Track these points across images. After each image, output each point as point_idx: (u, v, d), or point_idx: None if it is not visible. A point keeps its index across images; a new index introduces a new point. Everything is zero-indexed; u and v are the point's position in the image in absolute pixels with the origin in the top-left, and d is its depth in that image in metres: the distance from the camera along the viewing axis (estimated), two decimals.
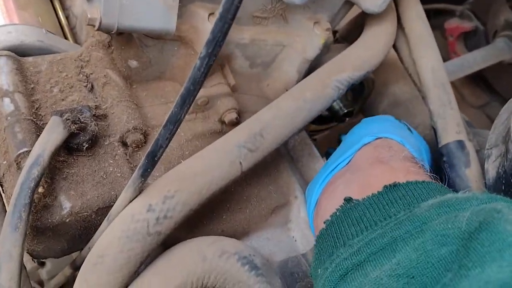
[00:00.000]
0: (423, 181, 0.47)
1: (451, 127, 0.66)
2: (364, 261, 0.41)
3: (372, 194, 0.46)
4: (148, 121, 0.63)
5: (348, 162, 0.56)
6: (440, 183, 0.50)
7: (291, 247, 0.65)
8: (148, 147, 0.61)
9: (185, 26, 0.63)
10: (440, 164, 0.66)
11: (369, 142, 0.56)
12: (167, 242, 0.55)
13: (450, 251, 0.36)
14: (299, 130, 0.64)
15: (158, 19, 0.58)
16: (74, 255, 0.64)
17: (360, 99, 0.93)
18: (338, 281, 0.42)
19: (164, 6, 0.57)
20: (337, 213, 0.47)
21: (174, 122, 0.44)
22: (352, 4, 0.76)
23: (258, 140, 0.58)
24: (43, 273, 0.77)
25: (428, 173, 0.52)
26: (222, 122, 0.67)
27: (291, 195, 0.68)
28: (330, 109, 0.93)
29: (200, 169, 0.53)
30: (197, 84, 0.41)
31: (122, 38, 0.65)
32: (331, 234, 0.47)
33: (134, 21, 0.56)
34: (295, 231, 0.67)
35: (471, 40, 1.56)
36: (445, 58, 1.44)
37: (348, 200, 0.47)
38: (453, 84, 1.58)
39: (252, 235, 0.64)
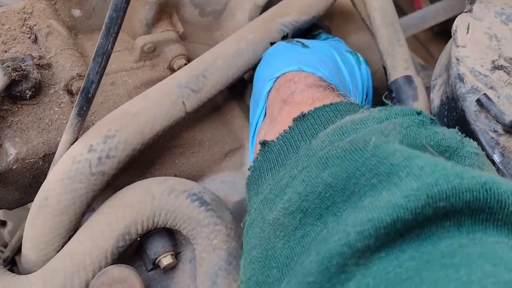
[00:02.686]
0: (330, 104, 0.45)
1: (400, 64, 0.67)
2: (262, 209, 0.39)
3: (284, 130, 0.44)
4: None
5: (265, 112, 0.55)
6: (350, 98, 0.49)
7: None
8: (96, 96, 0.61)
9: None
10: (391, 101, 0.67)
11: (271, 87, 0.54)
12: (121, 186, 0.56)
13: (333, 174, 0.34)
14: (244, 72, 0.64)
15: None
16: None
17: None
18: (246, 234, 0.41)
19: None
20: (258, 158, 0.46)
21: (102, 54, 0.44)
22: None
23: (201, 81, 0.58)
24: (5, 233, 0.77)
25: (335, 91, 0.50)
26: (171, 69, 0.66)
27: (245, 139, 0.69)
28: None
29: (141, 108, 0.53)
30: (120, 10, 0.41)
31: None
32: (253, 182, 0.46)
33: None
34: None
35: None
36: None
37: (263, 143, 0.46)
38: (420, 41, 1.59)
39: (206, 178, 0.64)
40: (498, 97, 0.50)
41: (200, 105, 0.59)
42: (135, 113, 0.53)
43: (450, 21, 1.41)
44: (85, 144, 0.50)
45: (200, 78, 0.58)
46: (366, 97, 0.67)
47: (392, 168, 0.32)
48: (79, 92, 0.47)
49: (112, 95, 0.61)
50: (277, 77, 0.54)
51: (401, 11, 1.73)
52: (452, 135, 0.39)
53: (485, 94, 0.49)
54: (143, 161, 0.60)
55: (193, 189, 0.53)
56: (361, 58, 0.67)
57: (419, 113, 0.40)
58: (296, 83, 0.52)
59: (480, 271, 0.25)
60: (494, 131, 0.49)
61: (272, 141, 0.45)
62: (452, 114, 0.53)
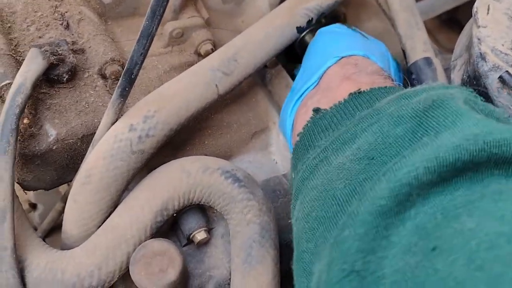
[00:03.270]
0: (386, 86, 0.48)
1: (419, 46, 0.69)
2: (329, 155, 0.43)
3: (339, 102, 0.47)
4: (125, 54, 0.64)
5: (316, 85, 0.57)
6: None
7: (272, 169, 0.68)
8: None
9: None
10: (411, 83, 0.69)
11: (334, 64, 0.56)
12: (155, 166, 0.58)
13: (406, 129, 0.38)
14: (272, 56, 0.66)
15: None
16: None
17: None
18: (306, 178, 0.45)
19: None
20: (308, 124, 0.49)
21: (147, 36, 0.46)
22: None
23: (232, 64, 0.60)
24: (36, 216, 0.80)
25: (394, 82, 0.54)
26: (198, 54, 0.69)
27: (270, 121, 0.71)
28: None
29: (177, 90, 0.56)
30: None
31: None
32: (303, 143, 0.49)
33: None
34: (275, 154, 0.70)
35: None
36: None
37: (316, 110, 0.49)
38: (427, 29, 1.61)
39: (234, 159, 0.67)
40: None
41: (231, 88, 0.61)
42: (172, 95, 0.55)
43: (457, 9, 1.43)
44: (126, 123, 0.52)
45: (231, 61, 0.61)
46: None
47: (457, 118, 0.37)
48: (122, 73, 0.49)
49: (144, 79, 0.63)
50: (343, 57, 0.57)
51: None
52: (501, 110, 0.43)
53: (507, 71, 0.52)
54: (175, 142, 0.62)
55: (226, 167, 0.56)
56: (400, 66, 0.69)
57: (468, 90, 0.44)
58: (361, 66, 0.55)
59: None
60: None
61: (325, 109, 0.48)
62: (475, 92, 0.55)
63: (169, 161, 0.59)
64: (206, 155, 0.64)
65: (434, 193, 0.33)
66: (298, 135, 0.50)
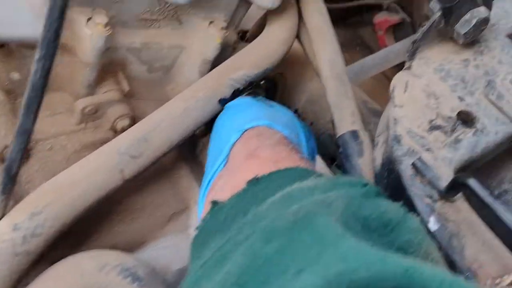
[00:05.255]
0: (286, 169, 0.46)
1: (346, 118, 0.66)
2: (205, 273, 0.38)
3: (237, 192, 0.44)
4: (33, 135, 0.60)
5: (225, 163, 0.54)
6: (311, 162, 0.50)
7: None
8: (32, 163, 0.59)
9: (65, 33, 0.60)
10: (339, 156, 0.66)
11: (238, 139, 0.54)
12: (56, 261, 0.53)
13: (275, 248, 0.34)
14: (193, 131, 0.63)
15: (27, 27, 0.56)
16: None
17: (275, 97, 0.93)
18: None
19: (32, 13, 0.55)
20: (207, 217, 0.45)
21: (23, 133, 0.42)
22: (250, 3, 0.75)
23: (142, 146, 0.57)
24: None
25: (299, 154, 0.51)
26: (114, 130, 0.65)
27: (191, 200, 0.67)
28: None
29: (74, 180, 0.51)
30: (37, 89, 0.39)
31: (2, 51, 0.63)
32: (198, 243, 0.45)
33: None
34: None
35: (400, 32, 1.58)
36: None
37: (214, 202, 0.45)
38: (387, 77, 1.61)
39: (148, 245, 0.62)
40: (435, 159, 0.50)
41: (141, 171, 0.57)
42: (67, 185, 0.51)
43: None
44: (10, 222, 0.48)
45: (141, 142, 0.57)
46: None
47: (321, 249, 0.32)
48: (3, 170, 0.45)
49: (49, 162, 0.59)
50: (246, 129, 0.54)
51: (368, 49, 1.77)
52: (395, 209, 0.39)
53: (419, 158, 0.49)
54: (79, 231, 0.58)
55: (127, 263, 0.51)
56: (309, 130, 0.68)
57: (365, 185, 0.41)
58: (264, 137, 0.53)
59: None
60: (430, 197, 0.48)
61: (223, 202, 0.45)
62: (391, 176, 0.52)
63: (72, 254, 0.54)
64: (115, 243, 0.59)
65: None
66: (196, 229, 0.46)
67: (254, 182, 0.44)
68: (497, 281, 0.43)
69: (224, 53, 0.76)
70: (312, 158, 0.67)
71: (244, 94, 0.70)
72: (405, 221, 0.38)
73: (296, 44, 0.82)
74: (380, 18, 1.61)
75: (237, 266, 0.35)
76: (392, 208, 0.39)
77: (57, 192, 0.50)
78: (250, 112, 0.59)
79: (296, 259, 0.32)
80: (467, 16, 0.53)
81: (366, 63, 1.36)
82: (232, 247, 0.38)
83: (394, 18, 1.58)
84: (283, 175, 0.45)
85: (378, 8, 1.68)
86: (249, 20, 0.95)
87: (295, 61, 0.95)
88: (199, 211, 0.57)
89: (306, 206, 0.36)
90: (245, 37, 0.95)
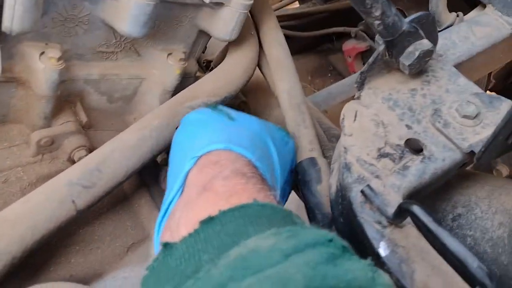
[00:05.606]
0: (241, 206, 0.44)
1: (304, 145, 0.67)
2: None
3: (189, 234, 0.42)
4: None
5: (182, 191, 0.52)
6: (273, 192, 0.48)
7: None
8: None
9: (18, 67, 0.61)
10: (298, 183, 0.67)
11: (193, 166, 0.51)
12: None
13: None
14: (149, 160, 0.63)
15: None
16: None
17: None
18: None
19: None
20: (159, 258, 0.43)
21: None
22: (209, 35, 0.77)
23: (95, 176, 0.56)
24: None
25: (258, 184, 0.49)
26: (72, 161, 0.65)
27: (152, 230, 0.66)
28: None
29: (22, 213, 0.51)
30: None
31: None
32: (149, 285, 0.42)
33: None
34: None
35: (368, 59, 1.62)
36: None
37: (165, 245, 0.43)
38: None
39: (106, 276, 0.61)
40: (384, 186, 0.51)
41: (95, 201, 0.57)
42: (15, 219, 0.50)
43: None
44: None
45: (94, 172, 0.57)
46: (291, 171, 0.67)
47: None
48: None
49: (4, 194, 0.59)
50: (201, 156, 0.51)
51: (339, 74, 1.81)
52: (363, 271, 0.37)
53: (368, 185, 0.50)
54: (36, 263, 0.57)
55: None
56: (289, 134, 0.67)
57: (330, 240, 0.38)
58: (221, 166, 0.50)
59: None
60: (379, 223, 0.49)
61: (175, 243, 0.42)
62: (344, 203, 0.53)
63: (28, 286, 0.53)
64: (72, 275, 0.58)
65: None
66: (146, 269, 0.43)
67: (208, 221, 0.43)
68: None
69: (185, 82, 0.77)
70: (291, 171, 0.66)
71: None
72: (375, 285, 0.36)
73: (260, 73, 0.84)
74: (349, 45, 1.65)
75: None
76: (360, 271, 0.36)
77: (4, 227, 0.49)
78: (207, 132, 0.55)
79: None
80: (410, 49, 0.55)
81: (334, 90, 1.39)
82: None
83: (362, 45, 1.62)
84: (239, 215, 0.43)
85: (347, 35, 1.73)
86: (215, 50, 0.97)
87: (259, 89, 0.97)
88: (155, 243, 0.56)
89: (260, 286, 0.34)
90: (209, 66, 0.96)
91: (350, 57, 1.67)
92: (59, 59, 0.59)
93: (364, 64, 1.67)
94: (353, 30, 1.66)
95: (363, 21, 1.68)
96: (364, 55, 1.65)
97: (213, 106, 0.64)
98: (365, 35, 1.63)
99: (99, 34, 0.64)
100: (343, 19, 1.75)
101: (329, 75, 1.86)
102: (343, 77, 1.74)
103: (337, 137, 0.89)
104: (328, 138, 0.84)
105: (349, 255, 0.38)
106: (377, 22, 0.50)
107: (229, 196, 0.47)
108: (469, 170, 0.67)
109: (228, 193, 0.47)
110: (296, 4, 1.94)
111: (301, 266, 0.35)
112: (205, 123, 0.58)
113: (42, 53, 0.59)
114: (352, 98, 0.62)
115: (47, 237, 0.53)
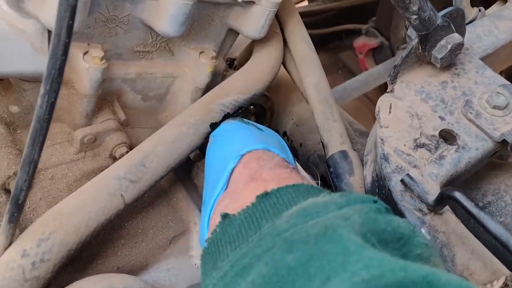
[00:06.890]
0: (293, 185, 0.47)
1: (335, 139, 0.70)
2: (226, 284, 0.40)
3: (247, 206, 0.46)
4: None
5: (225, 190, 0.55)
6: (313, 180, 0.52)
7: (194, 274, 0.65)
8: (35, 192, 0.61)
9: None
10: (330, 176, 0.69)
11: (237, 163, 0.55)
12: (62, 286, 0.54)
13: (297, 258, 0.36)
14: (186, 155, 0.65)
15: (27, 62, 0.58)
16: None
17: (264, 121, 0.96)
18: None
19: (31, 48, 0.57)
20: (217, 230, 0.46)
21: (29, 163, 0.44)
22: (237, 33, 0.79)
23: (140, 170, 0.59)
24: None
25: (300, 175, 0.53)
26: (113, 158, 0.67)
27: (191, 222, 0.69)
28: None
29: (76, 206, 0.53)
30: (43, 122, 0.41)
31: (1, 85, 0.65)
32: (210, 254, 0.46)
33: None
34: (197, 258, 0.67)
35: (379, 55, 1.65)
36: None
37: (224, 216, 0.46)
38: (370, 99, 1.67)
39: (151, 268, 0.64)
40: (422, 175, 0.53)
41: (140, 195, 0.59)
42: (69, 212, 0.52)
43: None
44: (18, 249, 0.49)
45: (139, 167, 0.59)
46: None
47: (346, 258, 0.34)
48: (10, 199, 0.46)
49: (52, 190, 0.61)
50: (244, 154, 0.55)
51: (350, 71, 1.83)
52: (405, 224, 0.42)
53: (408, 174, 0.52)
54: (84, 256, 0.59)
55: (132, 286, 0.53)
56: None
57: (375, 201, 0.43)
58: (264, 160, 0.54)
59: None
60: (420, 210, 0.51)
61: (234, 215, 0.46)
62: (382, 192, 0.55)
63: (77, 279, 0.55)
64: (119, 267, 0.61)
65: None
66: (206, 241, 0.47)
67: (264, 196, 0.46)
68: (487, 286, 0.46)
69: (214, 80, 0.79)
70: None
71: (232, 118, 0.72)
72: (415, 236, 0.41)
73: (282, 70, 0.86)
74: (359, 42, 1.68)
75: (261, 276, 0.37)
76: (403, 223, 0.41)
77: (61, 220, 0.52)
78: (244, 137, 0.60)
79: (322, 268, 0.35)
80: (442, 42, 0.57)
81: (348, 86, 1.41)
82: (252, 260, 0.40)
83: (373, 42, 1.65)
84: (292, 190, 0.46)
85: (357, 33, 1.75)
86: (236, 49, 0.99)
87: (282, 86, 0.99)
88: (201, 237, 0.58)
89: (326, 220, 0.39)
90: (233, 64, 0.98)
91: (361, 53, 1.69)
92: (102, 58, 0.61)
93: (375, 60, 1.70)
94: (363, 27, 1.69)
95: (373, 18, 1.70)
96: (375, 52, 1.67)
97: (239, 119, 0.68)
98: (376, 31, 1.65)
99: (138, 34, 0.66)
100: (351, 17, 1.77)
101: (340, 72, 1.89)
102: (354, 74, 1.76)
103: (359, 131, 0.91)
104: (352, 133, 0.86)
105: (392, 213, 0.43)
106: (414, 16, 0.52)
107: (278, 182, 0.50)
108: (496, 160, 0.69)
109: (276, 179, 0.50)
110: (305, 2, 1.96)
111: (355, 212, 0.40)
112: (239, 130, 0.63)
113: (86, 52, 0.61)
114: (364, 95, 0.65)
115: (98, 230, 0.55)
